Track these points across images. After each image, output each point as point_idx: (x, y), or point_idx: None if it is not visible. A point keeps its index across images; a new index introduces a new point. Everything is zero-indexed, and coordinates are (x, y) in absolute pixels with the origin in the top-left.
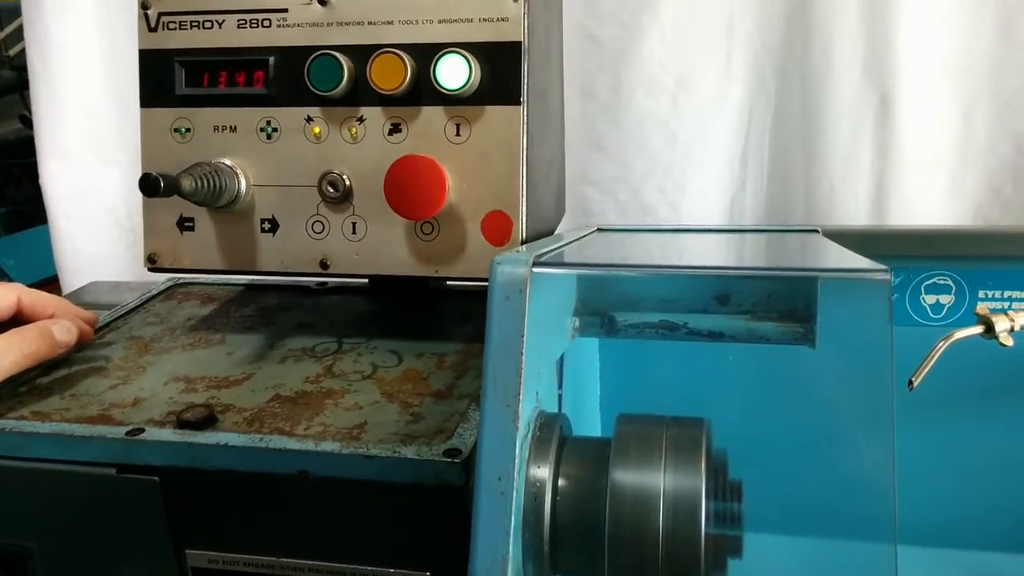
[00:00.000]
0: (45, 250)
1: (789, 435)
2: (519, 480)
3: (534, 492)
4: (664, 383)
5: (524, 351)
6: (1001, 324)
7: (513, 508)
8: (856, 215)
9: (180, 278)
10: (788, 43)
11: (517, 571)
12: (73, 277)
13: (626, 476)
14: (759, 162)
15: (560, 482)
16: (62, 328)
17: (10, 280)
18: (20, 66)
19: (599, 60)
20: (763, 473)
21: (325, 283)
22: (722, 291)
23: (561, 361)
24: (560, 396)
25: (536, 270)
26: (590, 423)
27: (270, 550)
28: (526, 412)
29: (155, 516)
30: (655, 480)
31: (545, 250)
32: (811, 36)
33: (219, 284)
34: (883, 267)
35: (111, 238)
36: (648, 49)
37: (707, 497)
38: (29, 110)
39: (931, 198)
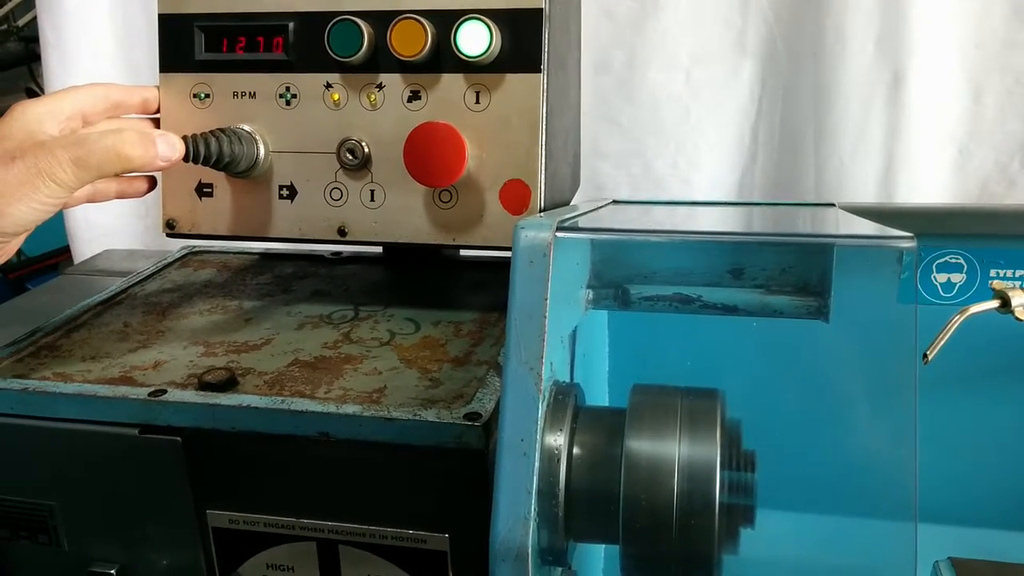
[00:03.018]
0: (56, 220)
1: (797, 410)
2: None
3: (549, 459)
4: (672, 357)
5: (547, 315)
6: (1017, 298)
7: (535, 470)
8: (865, 191)
9: (195, 246)
10: (801, 19)
11: (535, 534)
12: (85, 247)
13: (642, 444)
14: (770, 137)
15: (575, 450)
16: (167, 140)
17: (22, 254)
18: (28, 38)
19: (614, 35)
20: (770, 448)
21: (340, 252)
22: (737, 263)
23: (574, 333)
24: (572, 367)
25: (560, 235)
26: (599, 396)
27: (290, 511)
28: (544, 379)
29: (176, 476)
30: (670, 448)
31: (565, 216)
32: (824, 12)
33: (234, 252)
34: (908, 234)
35: (123, 208)
36: (663, 24)
37: (721, 466)
38: (37, 83)
39: (939, 175)
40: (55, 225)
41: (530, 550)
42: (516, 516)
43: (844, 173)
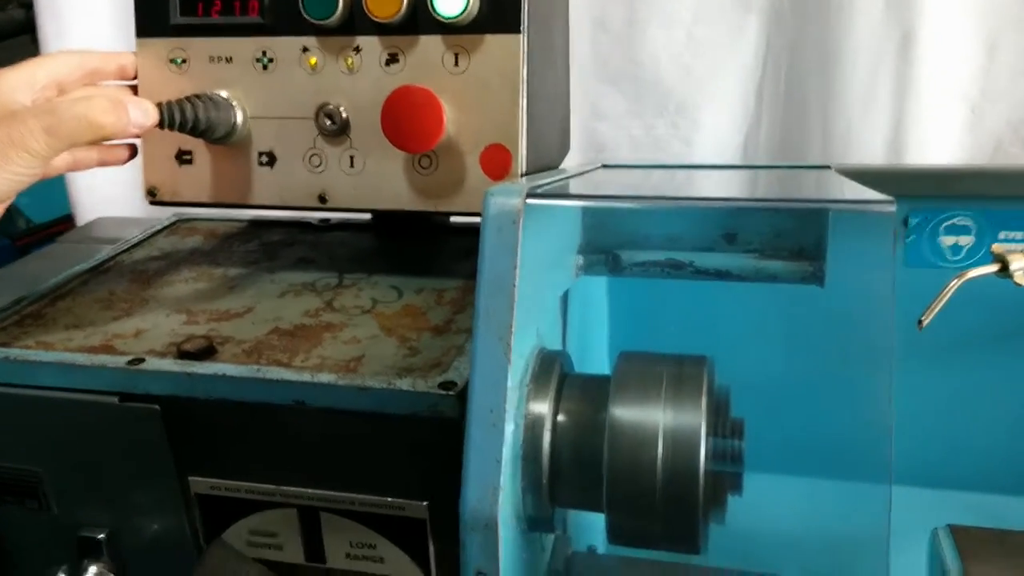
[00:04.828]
0: (59, 188)
1: (798, 374)
2: (517, 414)
3: (533, 427)
4: (673, 322)
5: (517, 284)
6: (1016, 262)
7: (506, 440)
8: (873, 153)
9: (184, 213)
10: None
11: (511, 502)
12: (88, 214)
13: (625, 412)
14: (775, 98)
15: (559, 417)
16: (140, 106)
17: (25, 217)
18: (30, 4)
19: None
20: (767, 412)
21: (328, 219)
22: (729, 228)
23: (565, 299)
24: (564, 334)
25: (531, 201)
26: (599, 362)
27: (270, 478)
28: (524, 348)
29: (157, 443)
30: (654, 416)
31: (542, 182)
32: None
33: (222, 220)
34: (889, 198)
35: (125, 176)
36: None
37: (708, 434)
38: (40, 52)
39: (950, 135)
40: (58, 194)
41: (499, 519)
42: (485, 486)
43: (852, 134)
